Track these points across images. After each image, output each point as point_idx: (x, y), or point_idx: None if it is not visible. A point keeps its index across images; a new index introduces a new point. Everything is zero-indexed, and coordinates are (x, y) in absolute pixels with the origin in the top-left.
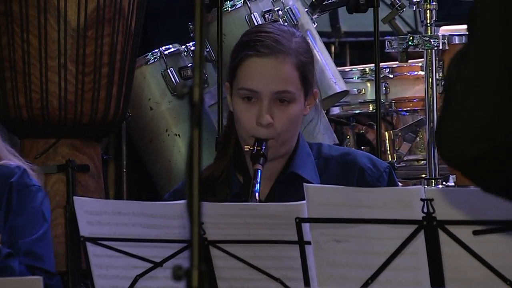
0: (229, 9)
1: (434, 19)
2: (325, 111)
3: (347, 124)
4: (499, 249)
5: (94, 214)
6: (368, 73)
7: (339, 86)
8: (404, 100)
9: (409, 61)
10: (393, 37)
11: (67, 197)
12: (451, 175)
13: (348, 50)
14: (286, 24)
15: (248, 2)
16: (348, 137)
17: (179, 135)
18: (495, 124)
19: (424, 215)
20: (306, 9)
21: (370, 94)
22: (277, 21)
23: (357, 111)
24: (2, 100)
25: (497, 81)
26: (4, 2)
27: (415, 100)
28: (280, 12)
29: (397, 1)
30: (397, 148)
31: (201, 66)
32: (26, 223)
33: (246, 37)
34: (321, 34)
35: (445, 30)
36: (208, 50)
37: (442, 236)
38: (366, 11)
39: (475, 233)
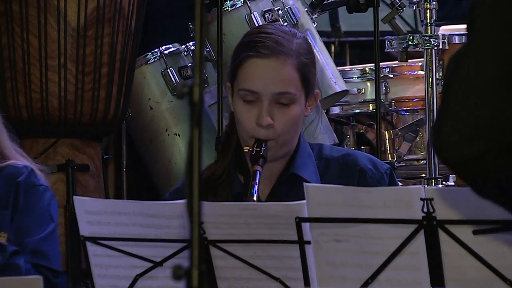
0: (229, 8)
1: (434, 18)
2: (325, 111)
3: (347, 123)
4: (499, 249)
5: (94, 213)
6: (368, 73)
7: (339, 85)
8: (404, 99)
9: (409, 60)
10: (393, 37)
11: (67, 196)
12: (451, 175)
13: (348, 50)
14: (286, 24)
15: (248, 2)
16: (348, 136)
17: (179, 134)
18: (495, 124)
19: (424, 214)
20: (306, 9)
21: (370, 94)
22: (277, 20)
23: (357, 111)
24: (2, 100)
25: (497, 81)
26: (4, 2)
27: (415, 100)
28: (280, 12)
29: (397, 1)
30: (397, 148)
31: (201, 66)
32: (33, 222)
33: (247, 37)
34: (321, 33)
35: (445, 29)
36: (208, 49)
37: (442, 235)
38: (366, 11)
39: (475, 233)
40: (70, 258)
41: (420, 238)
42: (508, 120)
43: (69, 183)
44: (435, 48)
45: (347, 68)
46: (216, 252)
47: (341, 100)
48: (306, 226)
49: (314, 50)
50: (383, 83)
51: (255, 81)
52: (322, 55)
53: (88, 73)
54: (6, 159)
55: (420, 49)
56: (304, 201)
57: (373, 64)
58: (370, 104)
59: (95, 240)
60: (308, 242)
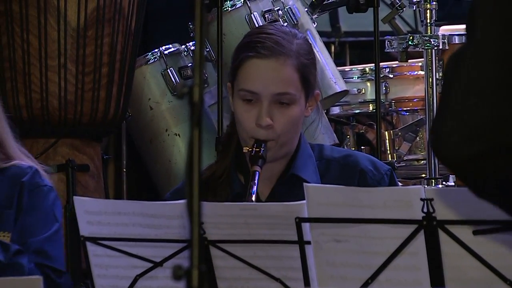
0: (229, 9)
1: (434, 18)
2: (325, 111)
3: (347, 124)
4: (499, 249)
5: (94, 214)
6: (368, 73)
7: (339, 85)
8: (404, 99)
9: (409, 60)
10: (393, 37)
11: (67, 197)
12: (451, 175)
13: (348, 50)
14: (286, 24)
15: (248, 2)
16: (348, 137)
17: (179, 135)
18: (495, 124)
19: (424, 215)
20: (306, 9)
21: (370, 94)
22: (277, 21)
23: (357, 111)
24: (2, 100)
25: (497, 81)
26: (4, 2)
27: (415, 100)
28: (280, 12)
29: (397, 1)
30: (397, 148)
31: (201, 66)
32: (37, 222)
33: (248, 38)
34: (321, 34)
35: (445, 30)
36: (208, 50)
37: (442, 236)
38: (366, 11)
39: (475, 233)
40: (70, 258)
41: (420, 238)
42: (508, 120)
43: (69, 183)
44: (435, 48)
45: (347, 68)
46: (216, 252)
47: (341, 100)
48: (306, 226)
49: (314, 50)
50: (383, 83)
51: (254, 81)
52: (322, 55)
53: (88, 73)
54: (11, 159)
55: (420, 49)
56: (304, 201)
57: (373, 64)
58: (370, 104)
59: (95, 240)
60: (308, 242)
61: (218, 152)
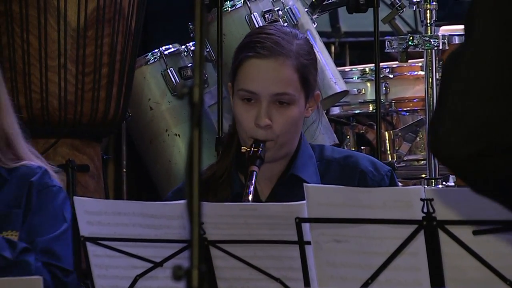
0: (229, 9)
1: (434, 19)
2: (325, 111)
3: (347, 124)
4: (499, 249)
5: (94, 214)
6: (368, 73)
7: (339, 86)
8: (404, 100)
9: (409, 61)
10: (393, 37)
11: None
12: (451, 175)
13: (348, 50)
14: (286, 24)
15: (248, 2)
16: (348, 137)
17: (179, 135)
18: (493, 124)
19: (424, 215)
20: (306, 9)
21: (370, 94)
22: (277, 21)
23: (357, 111)
24: None
25: (496, 81)
26: (4, 2)
27: (415, 100)
28: (280, 12)
29: (397, 1)
30: (397, 148)
31: (201, 66)
32: (45, 222)
33: (248, 38)
34: (321, 34)
35: (445, 30)
36: (208, 50)
37: (442, 236)
38: (366, 11)
39: (475, 233)
40: None
41: (420, 238)
42: (507, 120)
43: (69, 183)
44: (435, 48)
45: (347, 68)
46: (216, 253)
47: (341, 101)
48: (306, 226)
49: (314, 51)
50: (383, 84)
51: (254, 81)
52: (322, 56)
53: (88, 74)
54: (21, 159)
55: (420, 50)
56: (304, 202)
57: (373, 65)
58: (370, 105)
59: (95, 240)
60: (308, 243)
61: (218, 152)
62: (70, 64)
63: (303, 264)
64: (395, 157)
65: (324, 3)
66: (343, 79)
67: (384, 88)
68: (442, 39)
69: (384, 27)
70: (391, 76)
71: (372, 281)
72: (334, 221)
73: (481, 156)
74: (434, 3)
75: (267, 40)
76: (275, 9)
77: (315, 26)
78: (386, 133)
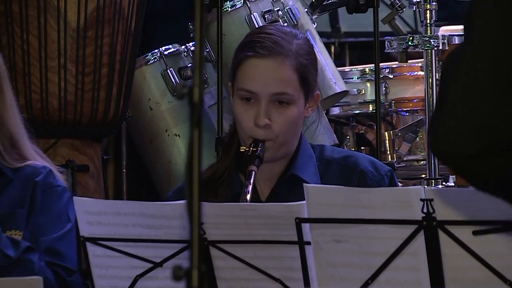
0: (229, 9)
1: (434, 19)
2: (325, 112)
3: (347, 124)
4: (499, 250)
5: (94, 214)
6: (368, 73)
7: (339, 86)
8: (404, 100)
9: (409, 61)
10: (393, 37)
11: None
12: (451, 175)
13: (348, 51)
14: (286, 24)
15: (248, 2)
16: (348, 137)
17: (179, 135)
18: (493, 124)
19: (424, 215)
20: (306, 9)
21: (370, 94)
22: (277, 21)
23: (357, 111)
24: None
25: (496, 81)
26: (4, 2)
27: (415, 100)
28: (280, 13)
29: (397, 1)
30: (397, 148)
31: (201, 66)
32: (49, 222)
33: (248, 37)
34: (321, 34)
35: (445, 30)
36: (208, 50)
37: (442, 236)
38: (366, 11)
39: (475, 233)
40: None
41: (420, 238)
42: (507, 120)
43: (69, 183)
44: (435, 48)
45: (347, 68)
46: (216, 253)
47: (341, 101)
48: (306, 226)
49: (314, 51)
50: (383, 84)
51: (253, 81)
52: (322, 56)
53: (88, 74)
54: (25, 159)
55: (420, 50)
56: (304, 202)
57: (373, 65)
58: (370, 105)
59: (95, 240)
60: (308, 243)
61: (218, 153)
62: (70, 64)
63: (303, 264)
64: (395, 157)
65: (324, 3)
66: (343, 79)
67: (384, 88)
68: (442, 39)
69: (384, 27)
70: (391, 76)
71: (372, 281)
72: (334, 221)
73: (481, 156)
74: (434, 3)
75: (267, 39)
76: (275, 9)
77: (315, 26)
78: (386, 133)
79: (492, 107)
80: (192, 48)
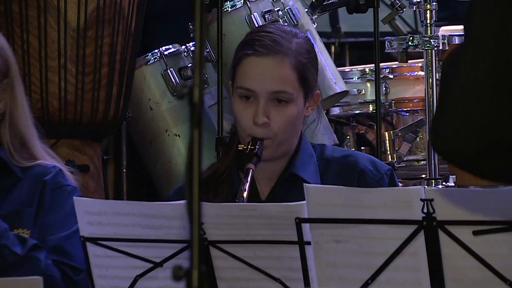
0: (229, 9)
1: (434, 19)
2: (325, 112)
3: (347, 124)
4: (499, 250)
5: (94, 214)
6: (368, 74)
7: (339, 86)
8: (404, 100)
9: (409, 61)
10: (393, 38)
11: None
12: (451, 175)
13: (348, 51)
14: (286, 24)
15: (248, 3)
16: (348, 137)
17: (179, 135)
18: (494, 124)
19: (424, 215)
20: (306, 9)
21: (370, 94)
22: (277, 21)
23: (357, 111)
24: None
25: (496, 81)
26: (4, 2)
27: (415, 100)
28: (280, 13)
29: (397, 1)
30: (397, 148)
31: (201, 66)
32: (57, 221)
33: (248, 36)
34: (321, 34)
35: (445, 30)
36: (208, 50)
37: (442, 236)
38: (366, 11)
39: (475, 233)
40: None
41: (420, 238)
42: (507, 120)
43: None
44: (435, 48)
45: (347, 68)
46: (216, 253)
47: (341, 101)
48: (306, 226)
49: (315, 50)
50: (383, 84)
51: (252, 79)
52: (322, 56)
53: (88, 74)
54: (35, 159)
55: (420, 50)
56: (304, 202)
57: (373, 65)
58: (370, 105)
59: (95, 240)
60: (308, 243)
61: (218, 153)
62: (70, 64)
63: (303, 264)
64: (395, 157)
65: (324, 3)
66: (343, 79)
67: (384, 89)
68: (442, 40)
69: (384, 28)
70: (391, 76)
71: (372, 282)
72: (334, 221)
73: (481, 156)
74: (434, 3)
75: (266, 38)
76: (275, 9)
77: (315, 26)
78: (386, 133)
79: (492, 107)
80: (192, 48)
